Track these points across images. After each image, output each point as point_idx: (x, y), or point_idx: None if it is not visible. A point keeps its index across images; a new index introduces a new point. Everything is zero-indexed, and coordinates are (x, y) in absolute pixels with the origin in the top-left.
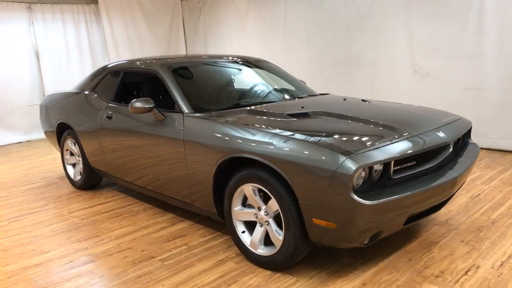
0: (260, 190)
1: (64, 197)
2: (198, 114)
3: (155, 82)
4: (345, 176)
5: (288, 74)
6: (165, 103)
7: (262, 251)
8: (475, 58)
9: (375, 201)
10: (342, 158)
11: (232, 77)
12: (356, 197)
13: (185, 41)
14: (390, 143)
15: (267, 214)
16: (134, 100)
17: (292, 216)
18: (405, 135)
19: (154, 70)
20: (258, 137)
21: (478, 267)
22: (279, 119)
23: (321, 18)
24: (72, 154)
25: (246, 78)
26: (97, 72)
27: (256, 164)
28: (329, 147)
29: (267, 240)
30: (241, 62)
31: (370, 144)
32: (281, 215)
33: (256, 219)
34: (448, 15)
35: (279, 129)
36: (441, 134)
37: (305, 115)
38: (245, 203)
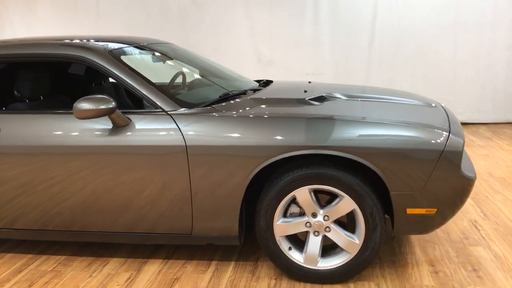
0: (315, 193)
1: None
2: (196, 110)
3: (56, 73)
4: (455, 154)
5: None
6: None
7: (324, 264)
8: (313, 46)
9: (472, 174)
10: (445, 135)
11: (179, 63)
12: (466, 174)
13: None
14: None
15: (327, 219)
16: (80, 99)
17: (379, 212)
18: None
19: (78, 56)
20: (323, 127)
21: None
22: (308, 106)
23: (145, 3)
24: None
25: (188, 65)
26: None
27: (310, 161)
28: (426, 126)
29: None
30: (166, 45)
31: (444, 120)
32: (360, 215)
33: (310, 228)
34: (285, 5)
35: (332, 117)
36: None
37: (322, 98)
38: (285, 214)
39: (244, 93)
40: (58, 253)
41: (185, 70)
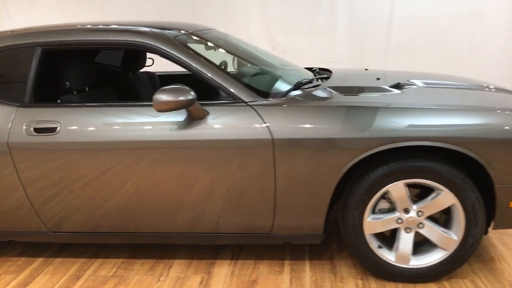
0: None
1: None
2: (278, 101)
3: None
4: None
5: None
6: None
7: (417, 262)
8: (328, 33)
9: None
10: None
11: (232, 51)
12: None
13: None
14: None
15: (421, 214)
16: (159, 91)
17: (481, 207)
18: None
19: (143, 43)
20: (421, 116)
21: None
22: (391, 94)
23: None
24: None
25: (242, 53)
26: None
27: (401, 153)
28: None
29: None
30: (211, 31)
31: None
32: (460, 210)
33: (401, 224)
34: None
35: (426, 105)
36: None
37: (399, 85)
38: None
39: (310, 82)
40: (112, 256)
41: (240, 58)
